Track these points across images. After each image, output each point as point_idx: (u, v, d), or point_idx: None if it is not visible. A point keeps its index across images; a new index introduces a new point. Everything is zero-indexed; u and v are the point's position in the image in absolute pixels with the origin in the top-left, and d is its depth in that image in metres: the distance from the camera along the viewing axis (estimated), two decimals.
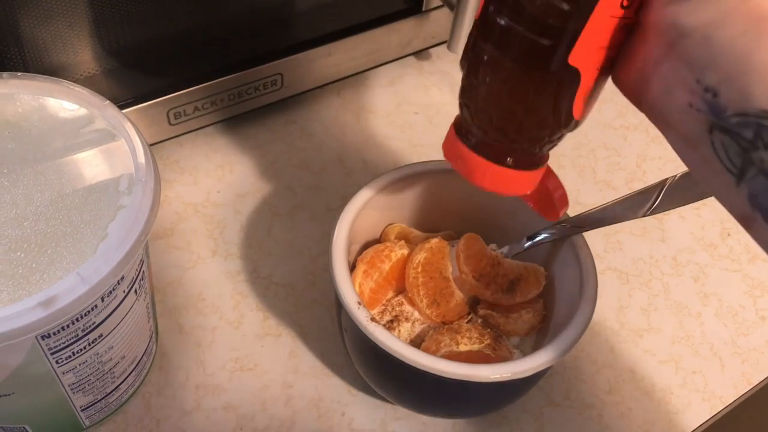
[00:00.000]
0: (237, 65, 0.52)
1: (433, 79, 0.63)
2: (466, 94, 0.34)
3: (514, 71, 0.31)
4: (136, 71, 0.48)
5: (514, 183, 0.35)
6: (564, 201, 0.39)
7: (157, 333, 0.44)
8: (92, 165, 0.36)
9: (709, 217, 0.56)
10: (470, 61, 0.33)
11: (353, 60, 0.57)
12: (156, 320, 0.44)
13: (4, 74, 0.37)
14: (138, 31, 0.46)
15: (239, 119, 0.57)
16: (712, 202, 0.56)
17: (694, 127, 0.27)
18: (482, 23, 0.32)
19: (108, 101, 0.37)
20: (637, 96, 0.31)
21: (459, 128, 0.35)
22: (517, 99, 0.32)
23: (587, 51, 0.30)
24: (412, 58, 0.64)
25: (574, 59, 0.30)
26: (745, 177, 0.26)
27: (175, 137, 0.53)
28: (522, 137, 0.33)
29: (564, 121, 0.32)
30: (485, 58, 0.32)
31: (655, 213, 0.40)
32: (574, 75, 0.30)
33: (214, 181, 0.54)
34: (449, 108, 0.61)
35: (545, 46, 0.30)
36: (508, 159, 0.34)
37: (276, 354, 0.46)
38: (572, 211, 0.43)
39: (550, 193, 0.38)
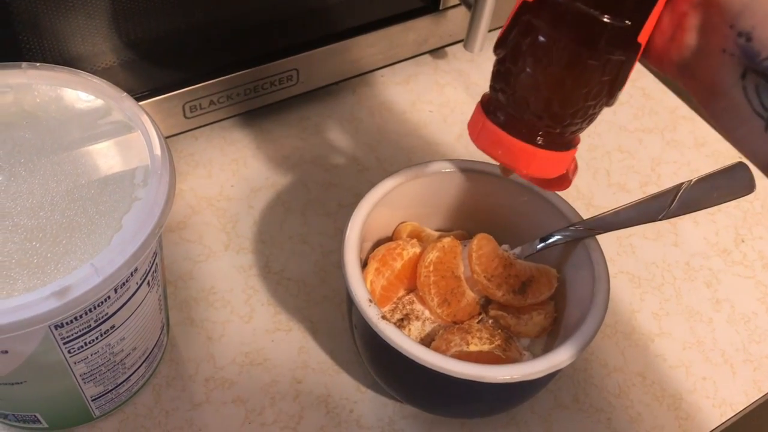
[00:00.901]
0: (253, 60, 0.52)
1: (448, 77, 0.63)
2: (506, 79, 0.33)
3: (580, 53, 0.30)
4: (153, 64, 0.48)
5: (557, 164, 0.35)
6: (576, 168, 0.38)
7: (168, 325, 0.45)
8: (108, 156, 0.36)
9: (723, 223, 0.56)
10: (516, 46, 0.32)
11: (369, 57, 0.57)
12: (167, 313, 0.44)
13: (23, 64, 0.38)
14: (155, 23, 0.46)
15: (254, 114, 0.57)
16: (726, 207, 0.56)
17: (726, 74, 0.28)
18: (539, 4, 0.31)
19: (125, 93, 0.38)
20: (659, 54, 0.31)
21: (495, 113, 0.34)
22: (579, 82, 0.31)
23: (650, 24, 0.30)
24: (427, 57, 0.64)
25: (642, 35, 0.30)
26: None
27: (190, 130, 0.53)
28: (575, 118, 0.32)
29: (615, 98, 0.32)
30: (541, 40, 0.30)
31: (670, 217, 0.40)
32: (638, 50, 0.30)
33: (228, 175, 0.54)
34: (464, 107, 0.61)
35: (620, 26, 0.29)
36: (553, 141, 0.33)
37: (286, 349, 0.46)
38: (586, 213, 0.43)
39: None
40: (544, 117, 0.32)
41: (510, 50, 0.32)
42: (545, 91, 0.32)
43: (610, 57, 0.30)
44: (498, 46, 0.33)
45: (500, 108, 0.34)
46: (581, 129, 0.34)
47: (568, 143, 0.35)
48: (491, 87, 0.34)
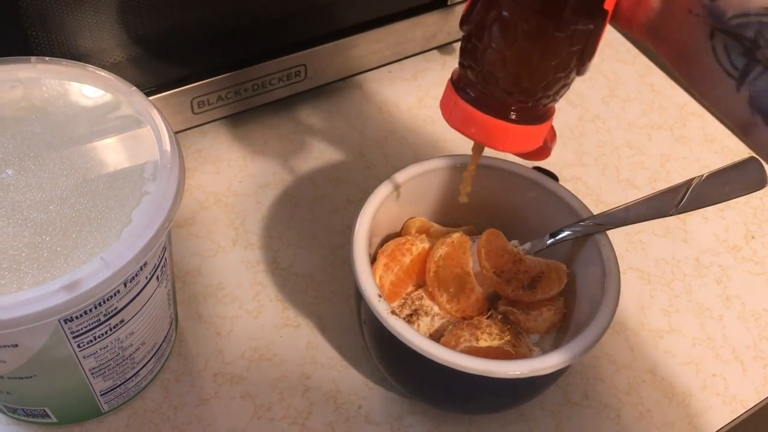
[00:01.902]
0: (261, 55, 0.52)
1: None
2: (473, 56, 0.32)
3: (546, 26, 0.29)
4: (161, 59, 0.48)
5: (533, 138, 0.34)
6: (553, 135, 0.37)
7: (177, 320, 0.45)
8: (118, 151, 0.36)
9: (733, 219, 0.55)
10: (480, 22, 0.31)
11: (377, 53, 0.57)
12: (176, 308, 0.44)
13: (32, 59, 0.38)
14: (163, 19, 0.46)
15: (262, 110, 0.57)
16: (736, 203, 0.56)
17: (694, 35, 0.28)
18: None
19: (134, 87, 0.38)
20: (628, 17, 0.31)
21: (465, 90, 0.33)
22: (547, 55, 0.30)
23: None
24: (435, 53, 0.63)
25: (608, 1, 0.29)
26: (746, 79, 0.27)
27: (198, 126, 0.53)
28: (548, 91, 0.32)
29: (586, 67, 0.31)
30: (504, 15, 0.30)
31: (680, 213, 0.40)
32: (605, 16, 0.30)
33: (236, 171, 0.54)
34: None
35: None
36: (527, 115, 0.33)
37: (294, 345, 0.46)
38: (595, 210, 0.43)
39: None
40: (514, 92, 0.32)
41: (475, 26, 0.31)
42: (513, 66, 0.31)
43: (577, 27, 0.30)
44: (463, 22, 0.32)
45: (470, 85, 0.33)
46: (554, 100, 0.33)
47: (543, 115, 0.34)
48: (460, 64, 0.33)
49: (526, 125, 0.33)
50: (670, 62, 0.30)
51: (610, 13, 0.30)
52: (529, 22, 0.30)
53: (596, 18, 0.30)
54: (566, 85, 0.32)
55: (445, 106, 0.35)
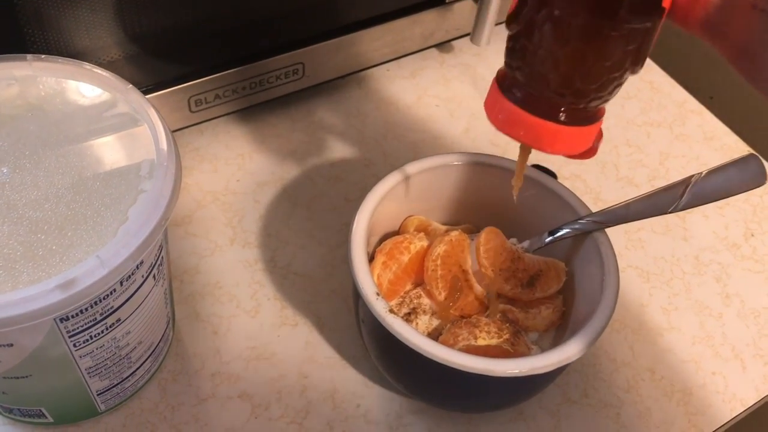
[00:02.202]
0: (259, 53, 0.51)
1: (454, 71, 0.62)
2: (522, 57, 0.31)
3: (600, 26, 0.28)
4: (158, 57, 0.48)
5: (582, 139, 0.33)
6: (601, 137, 0.36)
7: (174, 320, 0.44)
8: (114, 149, 0.35)
9: (732, 217, 0.55)
10: (530, 21, 0.29)
11: (375, 51, 0.57)
12: (173, 307, 0.44)
13: (28, 56, 0.37)
14: (160, 17, 0.46)
15: (260, 108, 0.57)
16: (736, 201, 0.56)
17: (757, 31, 0.26)
18: None
19: (131, 85, 0.37)
20: (684, 13, 0.29)
21: (512, 91, 0.32)
22: (601, 56, 0.29)
23: None
24: (434, 50, 0.63)
25: None
26: None
27: (196, 125, 0.53)
28: (600, 92, 0.30)
29: (641, 66, 0.30)
30: (556, 14, 0.28)
31: (680, 210, 0.39)
32: (662, 14, 0.28)
33: (234, 170, 0.54)
34: (471, 101, 0.60)
35: None
36: (577, 117, 0.32)
37: (292, 344, 0.46)
38: (594, 208, 0.43)
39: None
40: (566, 94, 0.30)
41: (524, 25, 0.30)
42: (565, 67, 0.30)
43: (633, 25, 0.28)
44: (510, 21, 0.31)
45: (518, 85, 0.32)
46: (606, 101, 0.32)
47: (593, 116, 0.32)
48: (506, 64, 0.32)
49: (577, 126, 0.32)
50: (730, 59, 0.28)
51: (667, 9, 0.29)
52: (582, 23, 0.28)
53: (653, 15, 0.28)
54: (619, 85, 0.31)
55: (491, 108, 0.33)
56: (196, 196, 0.52)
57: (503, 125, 0.33)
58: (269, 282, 0.48)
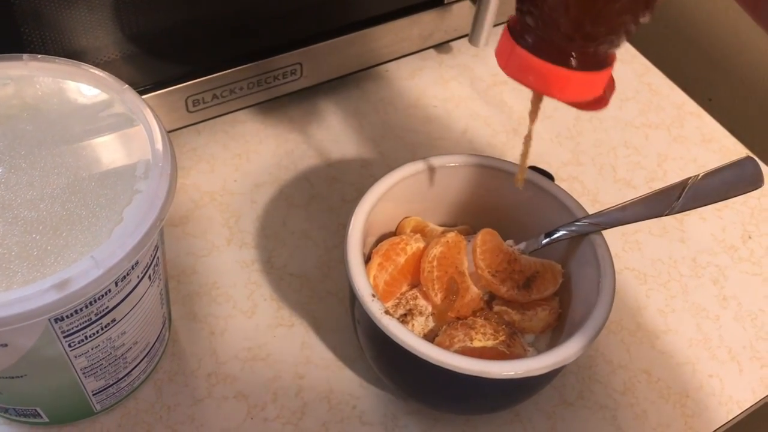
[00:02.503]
0: (257, 53, 0.51)
1: (453, 72, 0.62)
2: (531, 1, 0.30)
3: None
4: (156, 57, 0.48)
5: (593, 85, 0.32)
6: (613, 87, 0.35)
7: (170, 320, 0.44)
8: (110, 149, 0.35)
9: (730, 219, 0.55)
10: None
11: (374, 51, 0.57)
12: (169, 307, 0.44)
13: (24, 56, 0.37)
14: (158, 16, 0.46)
15: (258, 108, 0.57)
16: (733, 203, 0.56)
17: None
18: None
19: (127, 86, 0.37)
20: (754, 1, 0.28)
21: (523, 37, 0.31)
22: None
23: None
24: (432, 51, 0.63)
25: None
26: None
27: (193, 125, 0.53)
28: (611, 35, 0.30)
29: (652, 10, 0.30)
30: None
31: (677, 213, 0.39)
32: None
33: (231, 170, 0.54)
34: (469, 102, 0.60)
35: None
36: (588, 62, 0.31)
37: (288, 345, 0.46)
38: (591, 209, 0.43)
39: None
40: (576, 38, 0.30)
41: None
42: (575, 9, 0.29)
43: None
44: None
45: (528, 31, 0.31)
46: (617, 45, 0.31)
47: (604, 61, 0.32)
48: (517, 9, 0.32)
49: (587, 72, 0.31)
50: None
51: None
52: None
53: None
54: (630, 31, 0.30)
55: (501, 54, 0.33)
56: (193, 196, 0.52)
57: (513, 71, 0.33)
58: (266, 282, 0.48)
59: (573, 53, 0.31)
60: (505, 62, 0.33)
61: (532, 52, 0.31)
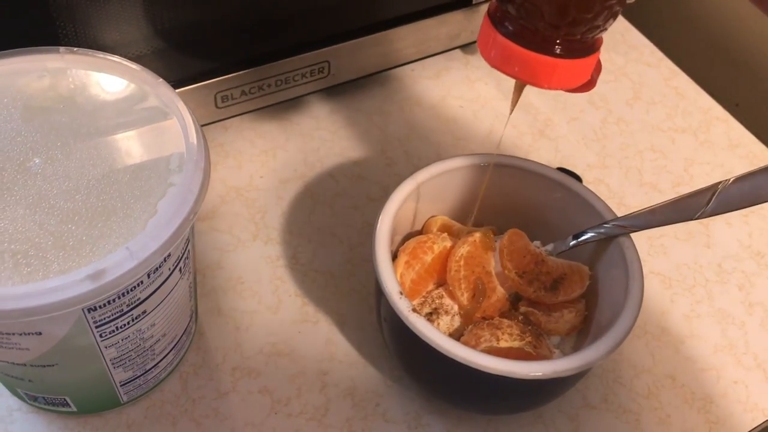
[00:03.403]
0: (285, 51, 0.52)
1: (479, 73, 0.62)
2: None
3: None
4: (186, 53, 0.48)
5: (580, 72, 0.31)
6: (600, 69, 0.34)
7: (196, 313, 0.45)
8: (144, 142, 0.36)
9: (757, 225, 0.55)
10: None
11: (401, 50, 0.57)
12: (196, 301, 0.44)
13: (60, 49, 0.38)
14: (189, 12, 0.46)
15: (284, 106, 0.57)
16: (760, 209, 0.55)
17: None
18: None
19: (161, 79, 0.38)
20: None
21: (504, 25, 0.30)
22: None
23: None
24: (458, 51, 0.63)
25: None
26: None
27: (221, 120, 0.53)
28: (596, 21, 0.29)
29: None
30: None
31: (707, 217, 0.39)
32: None
33: (258, 166, 0.54)
34: (495, 102, 0.60)
35: None
36: (573, 49, 0.30)
37: (313, 341, 0.46)
38: (617, 213, 0.43)
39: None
40: (560, 25, 0.29)
41: None
42: None
43: None
44: None
45: (510, 19, 0.30)
46: (603, 30, 0.30)
47: (590, 47, 0.31)
48: None
49: (574, 59, 0.30)
50: None
51: None
52: None
53: None
54: (617, 12, 0.29)
55: (483, 43, 0.32)
56: (220, 191, 0.53)
57: (496, 62, 0.31)
58: (290, 279, 0.49)
59: (558, 41, 0.30)
60: (487, 52, 0.32)
61: (515, 40, 0.30)
